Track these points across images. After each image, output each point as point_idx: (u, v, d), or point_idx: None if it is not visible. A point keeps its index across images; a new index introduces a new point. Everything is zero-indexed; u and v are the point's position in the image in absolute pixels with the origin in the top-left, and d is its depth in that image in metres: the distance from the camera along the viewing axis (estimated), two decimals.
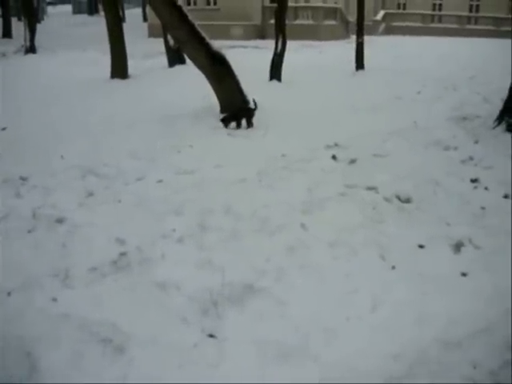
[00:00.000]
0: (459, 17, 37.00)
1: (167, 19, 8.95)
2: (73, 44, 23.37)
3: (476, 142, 7.02)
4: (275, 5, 13.93)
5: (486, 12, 36.87)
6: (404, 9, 40.53)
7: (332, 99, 10.32)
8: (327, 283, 3.70)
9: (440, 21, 37.76)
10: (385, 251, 4.11)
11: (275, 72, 12.91)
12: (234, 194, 5.19)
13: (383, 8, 38.71)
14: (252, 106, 8.09)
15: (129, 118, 8.80)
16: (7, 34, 29.42)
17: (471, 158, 6.33)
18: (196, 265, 3.94)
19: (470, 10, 38.92)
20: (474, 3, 39.19)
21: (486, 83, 11.92)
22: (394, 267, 3.91)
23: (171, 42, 15.10)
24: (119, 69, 14.20)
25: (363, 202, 4.98)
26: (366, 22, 16.96)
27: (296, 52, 18.02)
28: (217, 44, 9.04)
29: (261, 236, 4.37)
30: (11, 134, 7.90)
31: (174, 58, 16.06)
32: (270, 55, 13.20)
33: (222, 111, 8.66)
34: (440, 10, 39.66)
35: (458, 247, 4.21)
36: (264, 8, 28.86)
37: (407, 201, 5.08)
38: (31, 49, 21.26)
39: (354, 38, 16.74)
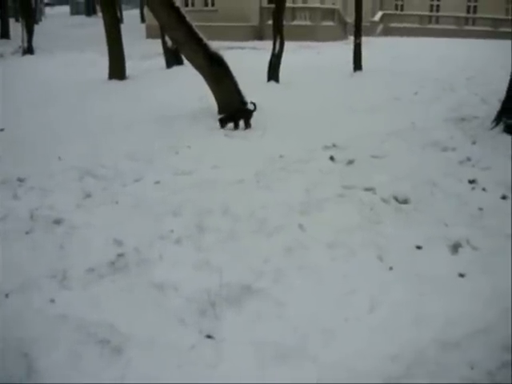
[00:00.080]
0: (457, 18, 37.01)
1: (165, 20, 8.96)
2: (71, 45, 23.34)
3: (474, 143, 7.03)
4: (273, 6, 13.91)
5: (484, 13, 36.88)
6: (402, 10, 40.53)
7: (330, 100, 10.33)
8: (325, 284, 3.70)
9: (438, 22, 37.77)
10: (383, 252, 4.12)
11: (273, 73, 12.92)
12: (232, 194, 5.19)
13: (381, 9, 38.70)
14: (250, 107, 8.09)
15: (127, 119, 8.79)
16: (5, 34, 29.42)
17: (469, 159, 6.33)
18: (194, 266, 3.94)
19: (468, 11, 38.93)
20: (472, 4, 39.20)
21: (483, 84, 11.94)
22: (391, 268, 3.91)
23: (169, 43, 15.11)
24: (117, 70, 14.19)
25: (361, 202, 4.99)
26: (364, 23, 16.97)
27: (294, 53, 18.01)
28: (215, 45, 9.05)
29: (259, 237, 4.37)
30: (9, 135, 7.90)
31: (172, 59, 16.04)
32: (267, 56, 13.20)
33: (219, 112, 8.67)
34: (438, 11, 39.67)
35: (455, 248, 4.21)
36: (262, 9, 28.85)
37: (405, 202, 5.08)
38: (29, 50, 21.23)
39: (351, 38, 16.76)
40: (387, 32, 35.35)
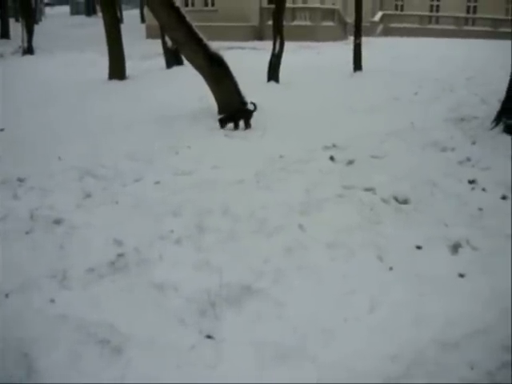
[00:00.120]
0: (457, 18, 37.01)
1: (165, 20, 8.97)
2: (71, 45, 23.34)
3: (473, 143, 7.03)
4: (273, 6, 13.92)
5: (484, 13, 36.89)
6: (402, 10, 40.55)
7: (330, 100, 10.33)
8: (325, 284, 3.70)
9: (437, 22, 37.77)
10: (382, 252, 4.12)
11: (273, 73, 12.93)
12: (232, 195, 5.19)
13: (381, 9, 38.72)
14: (250, 107, 8.09)
15: (127, 119, 8.80)
16: (5, 34, 29.42)
17: (469, 159, 6.33)
18: (194, 266, 3.94)
19: (468, 12, 38.94)
20: (472, 4, 39.21)
21: (483, 84, 11.94)
22: (391, 268, 3.91)
23: (169, 43, 15.12)
24: (117, 70, 14.20)
25: (361, 203, 4.99)
26: (364, 24, 16.98)
27: (294, 53, 18.02)
28: (215, 45, 9.05)
29: (259, 237, 4.37)
30: (9, 135, 7.90)
31: (172, 59, 16.05)
32: (267, 56, 13.21)
33: (219, 112, 8.67)
34: (437, 11, 39.68)
35: (455, 248, 4.21)
36: (262, 9, 28.86)
37: (405, 202, 5.08)
38: (29, 50, 21.24)
39: (351, 39, 16.76)
40: (387, 32, 35.35)
